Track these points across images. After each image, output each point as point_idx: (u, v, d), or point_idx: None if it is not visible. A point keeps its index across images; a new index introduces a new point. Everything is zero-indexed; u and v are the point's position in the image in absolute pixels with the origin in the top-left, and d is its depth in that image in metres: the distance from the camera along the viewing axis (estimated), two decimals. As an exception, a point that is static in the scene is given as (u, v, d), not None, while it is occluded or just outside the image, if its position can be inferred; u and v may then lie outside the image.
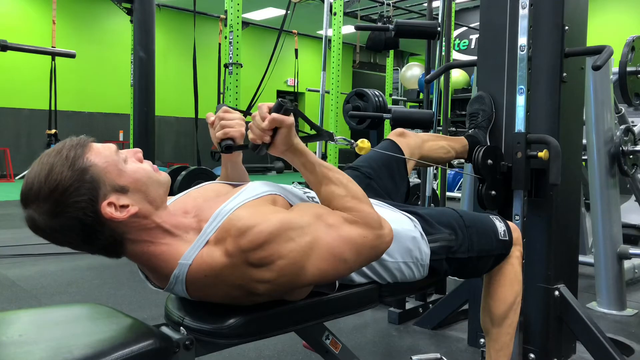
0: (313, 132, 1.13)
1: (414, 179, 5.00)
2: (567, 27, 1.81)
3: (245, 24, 7.20)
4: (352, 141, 1.18)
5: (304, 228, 0.97)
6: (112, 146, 0.98)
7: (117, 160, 0.96)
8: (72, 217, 0.91)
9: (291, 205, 1.10)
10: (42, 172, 0.90)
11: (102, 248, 0.97)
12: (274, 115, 1.00)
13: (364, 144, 1.18)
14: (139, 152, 1.02)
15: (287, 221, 0.96)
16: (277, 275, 0.94)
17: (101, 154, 0.95)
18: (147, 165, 1.01)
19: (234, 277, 0.95)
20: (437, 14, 3.14)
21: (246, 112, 1.23)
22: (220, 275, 0.95)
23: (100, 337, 0.98)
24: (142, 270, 1.07)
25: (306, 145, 1.08)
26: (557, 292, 1.84)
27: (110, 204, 0.92)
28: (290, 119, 1.01)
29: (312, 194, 1.21)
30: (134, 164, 0.98)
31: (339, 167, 1.14)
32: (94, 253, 0.99)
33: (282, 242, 0.94)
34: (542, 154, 1.66)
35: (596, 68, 1.72)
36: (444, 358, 1.65)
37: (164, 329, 1.04)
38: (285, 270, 0.95)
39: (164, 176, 1.02)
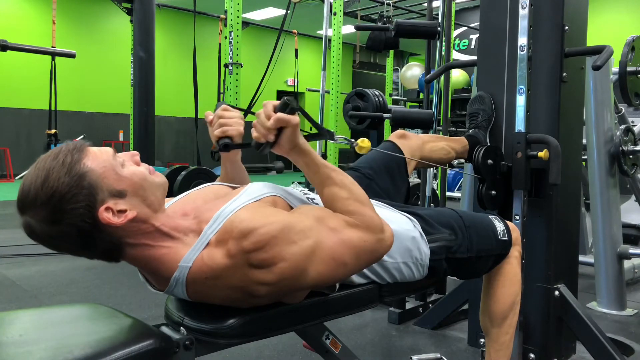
0: (314, 130, 1.13)
1: (414, 179, 4.99)
2: (567, 27, 1.81)
3: (245, 24, 7.20)
4: (352, 140, 1.18)
5: (305, 231, 0.97)
6: (109, 150, 0.96)
7: (114, 165, 0.94)
8: (70, 224, 0.89)
9: (291, 207, 1.10)
10: (38, 178, 0.89)
11: (100, 253, 0.97)
12: (280, 114, 0.98)
13: (364, 143, 1.18)
14: (136, 155, 1.00)
15: (290, 224, 0.96)
16: (278, 278, 0.94)
17: (98, 159, 0.93)
18: (144, 168, 0.99)
19: (234, 279, 0.95)
20: (437, 14, 3.14)
21: (246, 112, 1.23)
22: (221, 277, 0.95)
23: (100, 337, 0.98)
24: (141, 273, 1.06)
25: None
26: (557, 292, 1.84)
27: (107, 209, 0.91)
28: (296, 118, 1.00)
29: (312, 195, 1.20)
30: (131, 167, 0.97)
31: (339, 167, 1.14)
32: (93, 258, 0.98)
33: (284, 245, 0.94)
34: (542, 154, 1.66)
35: (596, 68, 1.72)
36: (444, 358, 1.65)
37: (164, 329, 1.04)
38: (286, 273, 0.95)
39: (161, 179, 1.01)
